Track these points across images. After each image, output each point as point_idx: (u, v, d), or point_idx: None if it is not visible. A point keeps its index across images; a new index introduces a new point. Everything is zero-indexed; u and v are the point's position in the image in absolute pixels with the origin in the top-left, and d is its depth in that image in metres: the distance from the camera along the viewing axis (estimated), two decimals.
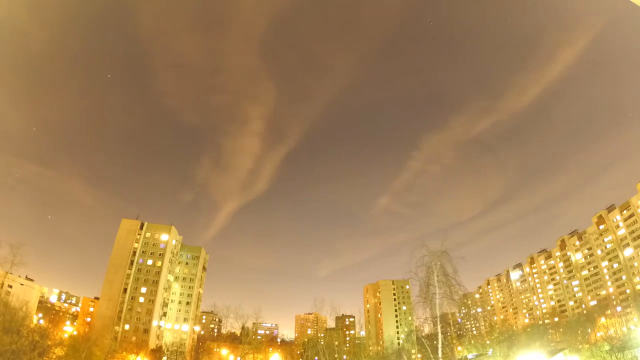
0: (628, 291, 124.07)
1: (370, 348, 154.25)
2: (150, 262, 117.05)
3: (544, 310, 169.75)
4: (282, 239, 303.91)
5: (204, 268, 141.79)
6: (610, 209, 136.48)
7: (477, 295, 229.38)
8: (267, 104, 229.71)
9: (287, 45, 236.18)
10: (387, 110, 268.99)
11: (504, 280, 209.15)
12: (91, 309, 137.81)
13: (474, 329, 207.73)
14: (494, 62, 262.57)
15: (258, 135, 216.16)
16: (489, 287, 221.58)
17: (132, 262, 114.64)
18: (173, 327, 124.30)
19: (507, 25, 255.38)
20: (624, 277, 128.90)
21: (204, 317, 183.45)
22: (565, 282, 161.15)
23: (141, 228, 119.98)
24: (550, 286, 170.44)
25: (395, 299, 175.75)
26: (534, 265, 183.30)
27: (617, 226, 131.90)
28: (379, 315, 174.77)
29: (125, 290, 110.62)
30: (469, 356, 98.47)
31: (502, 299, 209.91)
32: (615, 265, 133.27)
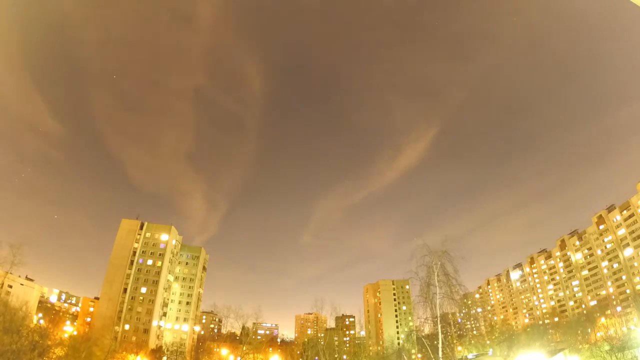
0: (628, 291, 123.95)
1: (370, 348, 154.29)
2: (150, 262, 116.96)
3: (544, 310, 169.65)
4: (246, 261, 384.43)
5: (204, 268, 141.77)
6: (610, 209, 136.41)
7: (477, 295, 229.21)
8: (200, 187, 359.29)
9: (203, 155, 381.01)
10: (282, 187, 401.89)
11: (504, 280, 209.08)
12: (91, 309, 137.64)
13: (474, 329, 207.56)
14: (355, 154, 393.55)
15: (202, 201, 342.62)
16: (489, 287, 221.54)
17: (132, 262, 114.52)
18: (173, 327, 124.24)
19: (361, 129, 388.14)
20: (624, 277, 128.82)
21: (204, 317, 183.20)
22: (565, 282, 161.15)
23: (141, 228, 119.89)
24: (550, 286, 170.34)
25: (395, 299, 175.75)
26: (534, 265, 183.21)
27: (617, 226, 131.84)
28: (379, 315, 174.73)
29: (125, 290, 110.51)
30: (469, 356, 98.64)
31: (502, 299, 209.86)
32: (615, 265, 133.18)
